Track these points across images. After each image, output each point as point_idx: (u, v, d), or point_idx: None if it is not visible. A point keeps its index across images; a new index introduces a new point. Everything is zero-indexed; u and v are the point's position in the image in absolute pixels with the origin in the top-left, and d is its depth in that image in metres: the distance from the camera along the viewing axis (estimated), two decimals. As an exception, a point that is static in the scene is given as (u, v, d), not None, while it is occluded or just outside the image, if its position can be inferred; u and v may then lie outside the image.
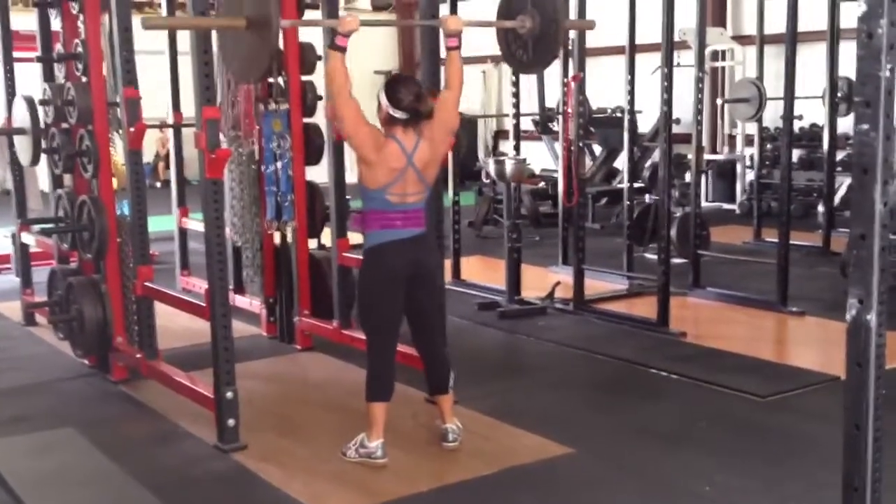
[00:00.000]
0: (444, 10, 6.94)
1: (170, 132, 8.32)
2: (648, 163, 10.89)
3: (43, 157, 5.71)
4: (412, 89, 3.97)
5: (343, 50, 3.90)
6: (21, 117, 5.76)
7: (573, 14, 7.07)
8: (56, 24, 5.68)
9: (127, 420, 4.83)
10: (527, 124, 11.62)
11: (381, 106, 3.97)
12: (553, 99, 11.65)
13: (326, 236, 5.97)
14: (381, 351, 4.13)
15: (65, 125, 5.40)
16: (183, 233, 7.76)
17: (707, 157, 11.81)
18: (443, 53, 4.35)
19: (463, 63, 4.16)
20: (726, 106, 11.84)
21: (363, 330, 4.24)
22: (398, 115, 3.94)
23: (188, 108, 4.94)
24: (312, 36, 5.77)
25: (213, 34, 4.30)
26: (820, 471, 3.90)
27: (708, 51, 11.29)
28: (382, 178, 3.94)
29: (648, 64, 8.97)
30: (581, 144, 7.31)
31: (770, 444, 4.33)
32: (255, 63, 3.90)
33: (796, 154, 11.03)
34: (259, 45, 3.78)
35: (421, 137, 4.00)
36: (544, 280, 7.55)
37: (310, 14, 5.89)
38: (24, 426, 4.71)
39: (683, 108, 7.76)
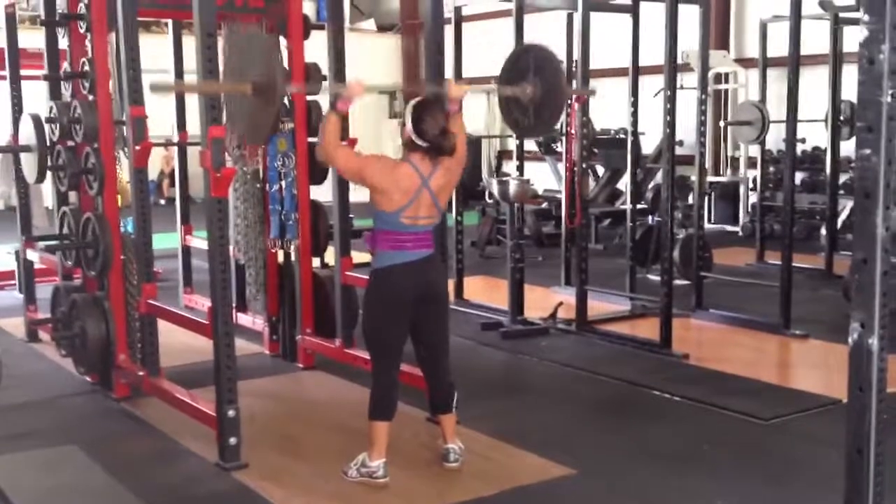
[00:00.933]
0: (448, 31, 6.98)
1: (174, 150, 8.34)
2: (651, 184, 10.92)
3: (48, 174, 5.74)
4: (439, 122, 3.98)
5: (343, 115, 3.94)
6: (27, 135, 5.79)
7: (577, 33, 7.11)
8: (63, 42, 5.72)
9: (129, 437, 4.83)
10: (530, 145, 11.65)
11: (405, 128, 4.00)
12: (556, 120, 11.67)
13: (330, 255, 5.98)
14: (386, 371, 4.13)
15: (71, 143, 5.42)
16: (186, 250, 7.78)
17: (710, 179, 11.85)
18: (448, 73, 4.38)
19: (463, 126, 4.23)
20: (729, 128, 11.88)
21: (368, 349, 4.25)
22: (420, 143, 3.97)
23: (193, 127, 4.97)
24: (318, 56, 5.81)
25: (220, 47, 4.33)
26: (821, 494, 3.89)
27: (711, 73, 11.35)
28: (398, 201, 3.95)
29: (652, 86, 9.01)
30: (584, 165, 7.33)
31: (772, 466, 4.32)
32: (261, 127, 3.96)
33: (799, 177, 11.05)
34: (264, 110, 3.84)
35: (438, 166, 4.02)
36: (547, 300, 7.54)
37: (315, 34, 5.92)
38: (26, 443, 4.71)
39: (686, 130, 7.78)
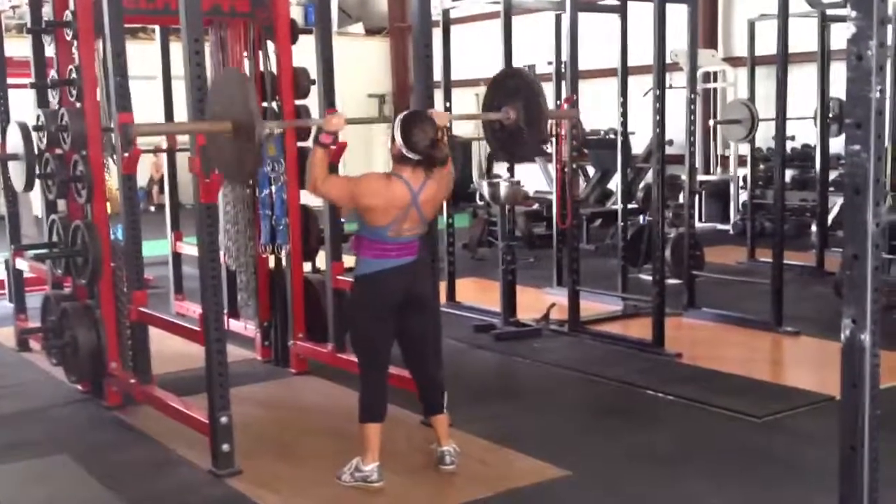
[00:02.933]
0: (436, 34, 6.97)
1: (164, 156, 8.31)
2: (642, 184, 10.90)
3: (37, 182, 5.71)
4: (429, 133, 3.95)
5: (327, 146, 3.93)
6: (15, 143, 5.76)
7: (565, 34, 7.12)
8: (50, 50, 5.69)
9: (121, 446, 4.80)
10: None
11: (395, 142, 3.98)
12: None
13: (321, 260, 5.97)
14: (373, 375, 4.13)
15: (59, 151, 5.40)
16: (177, 257, 7.75)
17: (700, 177, 11.85)
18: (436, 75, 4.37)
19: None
20: (719, 127, 11.89)
21: (355, 354, 4.26)
22: (411, 156, 3.94)
23: (182, 133, 4.94)
24: (307, 60, 5.79)
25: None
26: (816, 492, 3.88)
27: (700, 72, 11.36)
28: (386, 219, 3.94)
29: (641, 86, 9.01)
30: (575, 166, 7.33)
31: (766, 465, 4.32)
32: (241, 165, 3.97)
33: (789, 174, 11.07)
34: (244, 149, 3.84)
35: (429, 178, 4.00)
36: (539, 302, 7.54)
37: (303, 38, 5.90)
38: (18, 453, 4.68)
39: (676, 130, 7.79)
